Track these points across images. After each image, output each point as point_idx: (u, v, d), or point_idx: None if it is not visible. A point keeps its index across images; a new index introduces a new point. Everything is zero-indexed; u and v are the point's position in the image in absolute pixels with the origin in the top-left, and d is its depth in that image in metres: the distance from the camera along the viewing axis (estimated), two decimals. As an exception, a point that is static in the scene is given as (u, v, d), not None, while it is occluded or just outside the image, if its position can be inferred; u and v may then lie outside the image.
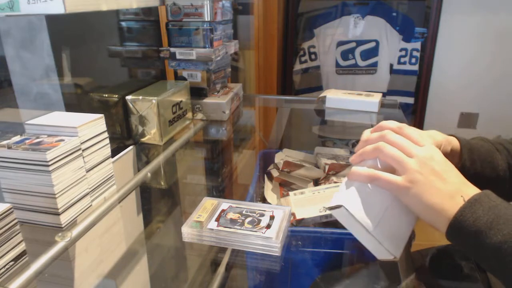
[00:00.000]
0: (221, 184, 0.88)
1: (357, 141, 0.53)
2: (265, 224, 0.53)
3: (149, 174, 0.74)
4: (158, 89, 0.87)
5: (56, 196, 0.50)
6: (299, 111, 1.30)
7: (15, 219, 0.45)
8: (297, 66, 2.12)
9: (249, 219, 0.54)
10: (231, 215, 0.55)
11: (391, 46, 2.02)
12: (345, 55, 2.08)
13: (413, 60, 1.98)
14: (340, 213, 0.48)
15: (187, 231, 0.53)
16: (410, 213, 0.49)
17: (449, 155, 0.56)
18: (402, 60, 2.00)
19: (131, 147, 0.81)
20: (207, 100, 1.00)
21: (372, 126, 0.56)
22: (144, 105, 0.81)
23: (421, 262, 0.49)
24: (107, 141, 0.61)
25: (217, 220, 0.54)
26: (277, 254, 0.50)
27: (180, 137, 0.90)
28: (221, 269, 0.55)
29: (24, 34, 0.66)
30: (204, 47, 0.94)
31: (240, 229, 0.52)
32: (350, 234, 0.49)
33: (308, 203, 0.68)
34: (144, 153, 0.83)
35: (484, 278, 0.57)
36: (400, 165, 0.47)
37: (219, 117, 1.00)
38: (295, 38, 2.13)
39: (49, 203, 0.51)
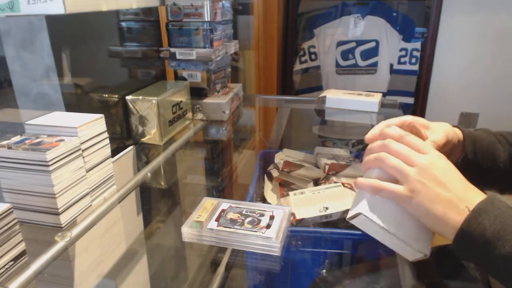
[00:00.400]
0: (221, 184, 0.89)
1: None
2: (265, 224, 0.53)
3: (149, 174, 0.74)
4: (158, 89, 0.87)
5: (56, 196, 0.50)
6: (299, 111, 1.30)
7: (15, 219, 0.45)
8: (297, 66, 2.11)
9: (249, 219, 0.54)
10: (231, 215, 0.55)
11: (391, 46, 2.02)
12: (345, 55, 2.08)
13: (413, 60, 1.97)
14: (361, 221, 0.48)
15: (187, 231, 0.53)
16: None
17: (455, 146, 0.57)
18: (402, 60, 2.00)
19: (131, 147, 0.81)
20: (207, 100, 1.00)
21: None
22: (144, 105, 0.81)
23: (422, 261, 0.49)
24: (107, 141, 0.61)
25: (217, 220, 0.54)
26: (277, 254, 0.50)
27: (180, 137, 0.90)
28: (221, 269, 0.55)
29: (24, 34, 0.66)
30: (204, 47, 0.94)
31: (240, 229, 0.52)
32: (350, 234, 0.49)
33: (308, 203, 0.68)
34: (144, 153, 0.83)
35: (484, 278, 0.57)
36: (401, 175, 0.47)
37: (219, 117, 1.00)
38: (295, 38, 2.12)
39: (49, 203, 0.51)
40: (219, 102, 0.99)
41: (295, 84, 2.18)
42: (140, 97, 0.81)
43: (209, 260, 0.60)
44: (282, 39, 2.04)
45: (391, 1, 2.01)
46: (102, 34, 0.85)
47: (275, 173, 0.82)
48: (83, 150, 0.55)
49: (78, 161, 0.54)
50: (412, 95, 2.04)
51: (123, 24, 0.91)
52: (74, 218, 0.55)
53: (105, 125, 0.60)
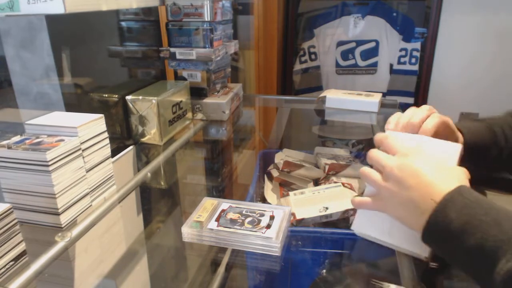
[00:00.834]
0: (221, 184, 0.88)
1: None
2: (265, 224, 0.53)
3: (149, 174, 0.74)
4: (158, 89, 0.87)
5: (56, 196, 0.50)
6: (299, 111, 1.30)
7: (15, 219, 0.45)
8: (297, 66, 2.11)
9: (249, 219, 0.54)
10: (231, 215, 0.55)
11: (391, 46, 2.02)
12: (345, 55, 2.08)
13: (413, 60, 1.97)
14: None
15: (187, 231, 0.53)
16: None
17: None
18: (402, 60, 1.99)
19: (131, 147, 0.81)
20: (207, 100, 1.00)
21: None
22: (144, 105, 0.81)
23: (422, 261, 0.49)
24: (107, 141, 0.61)
25: (217, 220, 0.54)
26: (277, 254, 0.50)
27: (180, 137, 0.90)
28: (221, 269, 0.55)
29: (24, 34, 0.66)
30: (204, 47, 0.94)
31: (240, 229, 0.52)
32: (350, 234, 0.50)
33: (308, 203, 0.68)
34: (144, 153, 0.83)
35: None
36: (375, 185, 0.48)
37: (219, 117, 1.00)
38: (295, 38, 2.12)
39: (49, 203, 0.51)
40: (219, 102, 0.99)
41: (295, 84, 2.18)
42: (140, 97, 0.81)
43: (209, 260, 0.60)
44: (282, 39, 2.04)
45: (391, 1, 2.01)
46: (102, 34, 0.85)
47: (275, 173, 0.82)
48: (83, 150, 0.55)
49: (78, 161, 0.54)
50: (412, 95, 2.03)
51: (123, 24, 0.91)
52: (74, 218, 0.55)
53: (105, 125, 0.60)
